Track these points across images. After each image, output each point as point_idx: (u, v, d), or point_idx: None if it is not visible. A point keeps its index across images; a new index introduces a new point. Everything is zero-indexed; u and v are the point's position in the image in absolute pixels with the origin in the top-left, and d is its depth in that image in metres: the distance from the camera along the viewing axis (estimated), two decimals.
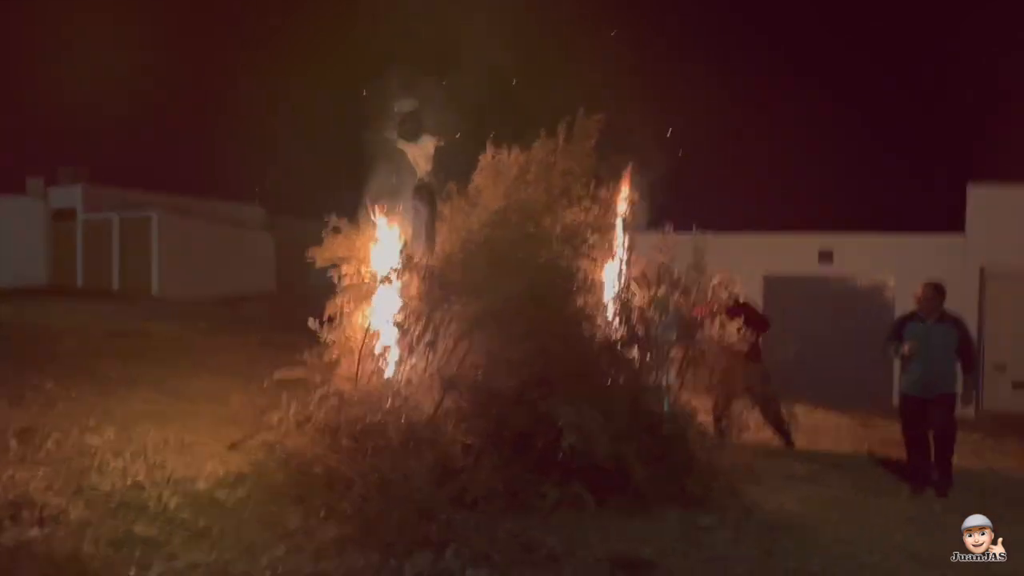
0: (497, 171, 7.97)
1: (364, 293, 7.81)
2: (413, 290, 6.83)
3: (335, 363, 8.07)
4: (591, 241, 7.00)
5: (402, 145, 7.38)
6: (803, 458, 8.99)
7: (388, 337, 7.37)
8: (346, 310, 8.05)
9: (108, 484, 6.11)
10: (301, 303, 26.38)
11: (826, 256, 15.91)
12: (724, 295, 9.17)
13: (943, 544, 5.21)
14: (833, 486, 7.75)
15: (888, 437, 10.27)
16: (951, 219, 15.74)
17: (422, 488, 5.33)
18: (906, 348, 7.71)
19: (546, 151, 7.27)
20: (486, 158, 8.11)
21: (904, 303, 15.28)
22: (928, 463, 7.86)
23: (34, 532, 5.14)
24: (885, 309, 15.31)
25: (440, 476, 5.94)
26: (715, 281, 9.10)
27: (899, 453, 8.73)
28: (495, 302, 6.30)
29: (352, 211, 8.49)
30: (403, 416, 6.52)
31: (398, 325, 6.90)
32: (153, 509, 5.67)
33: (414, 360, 6.88)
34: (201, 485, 6.17)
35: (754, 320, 9.26)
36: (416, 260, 6.80)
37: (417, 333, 6.80)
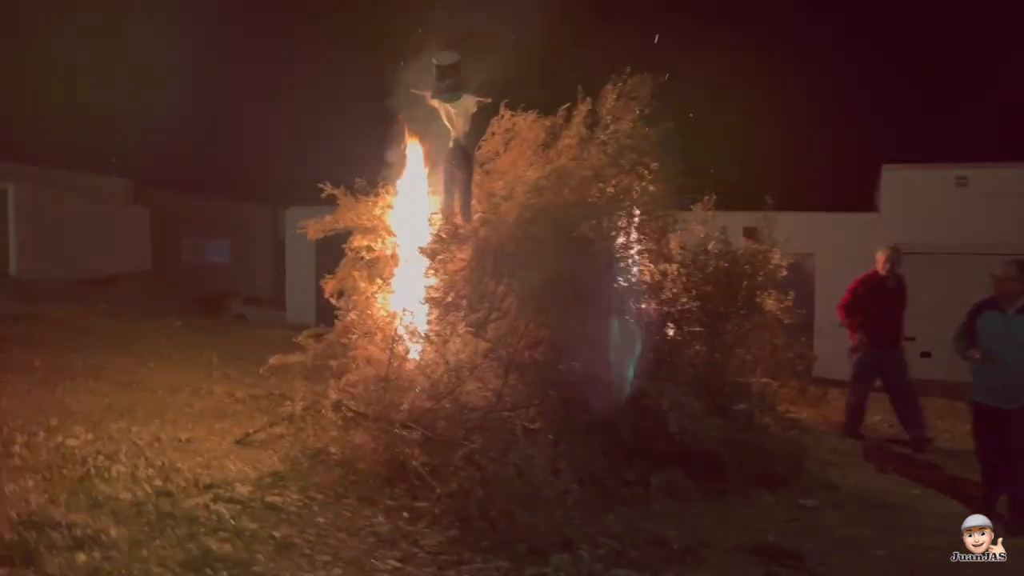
0: (515, 135, 7.38)
1: (387, 267, 7.09)
2: (459, 262, 6.17)
3: (339, 346, 7.31)
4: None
5: (437, 102, 6.66)
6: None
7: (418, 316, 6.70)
8: (361, 286, 7.30)
9: (126, 493, 5.17)
10: (183, 282, 24.79)
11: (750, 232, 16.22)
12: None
13: None
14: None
15: None
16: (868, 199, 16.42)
17: (547, 481, 4.75)
18: (977, 354, 6.15)
19: (582, 116, 6.73)
20: (500, 122, 7.50)
21: (824, 277, 15.96)
22: (997, 488, 6.17)
23: (82, 558, 4.20)
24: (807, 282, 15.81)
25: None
26: (880, 256, 8.57)
27: None
28: (559, 275, 5.76)
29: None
30: (458, 402, 5.87)
31: (438, 302, 6.22)
32: (206, 520, 4.81)
33: (458, 340, 6.22)
34: (242, 489, 5.33)
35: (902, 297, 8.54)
36: (462, 229, 6.13)
37: (464, 310, 6.15)
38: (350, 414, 6.19)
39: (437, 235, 6.15)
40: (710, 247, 6.51)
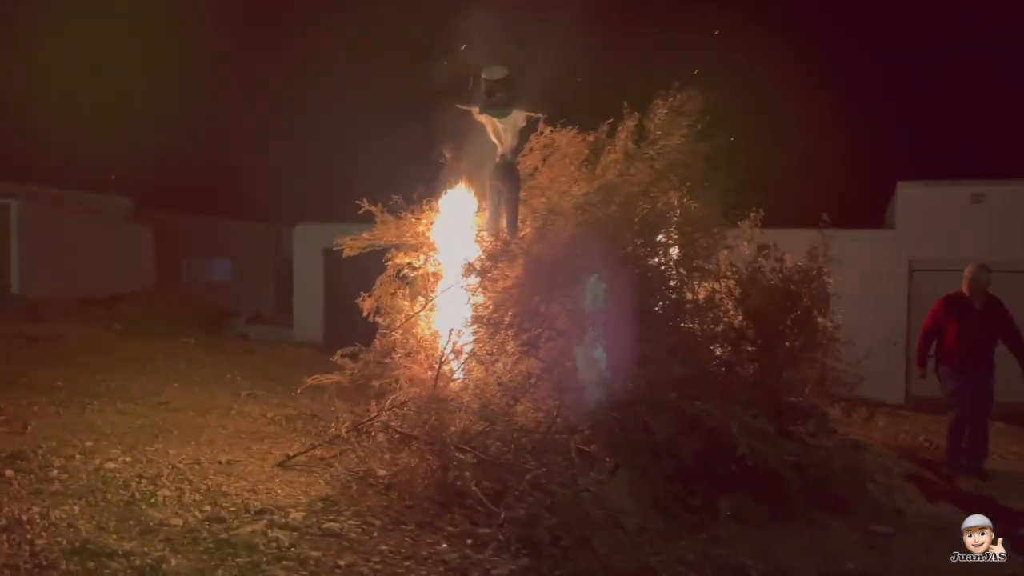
0: (555, 151, 7.28)
1: (428, 284, 6.96)
2: (508, 280, 6.03)
3: (378, 366, 7.17)
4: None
5: (485, 117, 6.56)
6: None
7: (458, 335, 6.55)
8: (401, 304, 7.17)
9: (177, 519, 5.00)
10: (184, 300, 24.53)
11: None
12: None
13: None
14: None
15: None
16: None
17: (624, 508, 4.60)
18: None
19: (629, 131, 6.63)
20: (539, 138, 7.41)
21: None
22: None
23: None
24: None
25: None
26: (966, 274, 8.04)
27: None
28: (611, 293, 5.63)
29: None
30: (511, 423, 5.72)
31: (487, 320, 6.08)
32: (265, 548, 4.63)
33: (507, 360, 6.08)
34: (295, 514, 5.15)
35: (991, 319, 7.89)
36: (513, 245, 6.00)
37: (512, 329, 6.01)
38: (397, 436, 6.02)
39: (488, 251, 6.00)
40: (763, 265, 6.39)
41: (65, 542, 4.58)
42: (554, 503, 4.70)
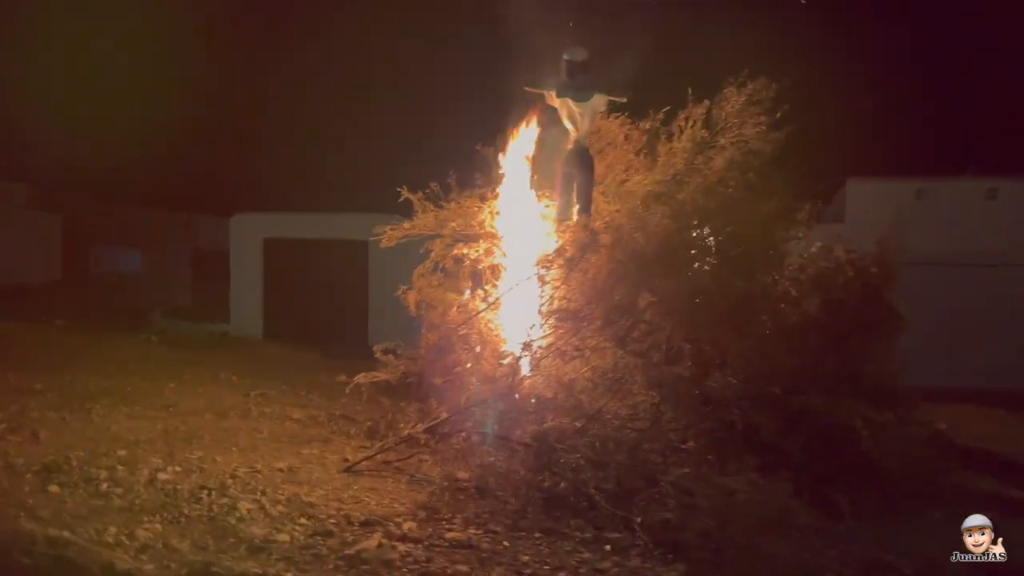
0: (609, 142, 7.07)
1: (486, 276, 6.62)
2: (597, 271, 5.77)
3: (428, 363, 6.79)
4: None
5: (560, 100, 6.26)
6: None
7: (524, 331, 6.26)
8: (452, 298, 6.80)
9: (281, 535, 4.55)
10: (94, 292, 23.08)
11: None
12: None
13: None
14: None
15: None
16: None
17: (789, 507, 4.42)
18: None
19: (700, 120, 6.47)
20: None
21: None
22: None
23: None
24: None
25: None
26: None
27: None
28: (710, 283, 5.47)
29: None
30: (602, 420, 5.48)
31: (569, 313, 5.81)
32: (401, 563, 4.24)
33: (592, 356, 5.83)
34: (407, 524, 4.76)
35: None
36: (601, 236, 5.75)
37: (598, 322, 5.76)
38: (476, 438, 5.68)
39: (576, 241, 5.72)
40: (839, 255, 6.33)
41: (175, 566, 4.07)
42: (700, 504, 4.49)
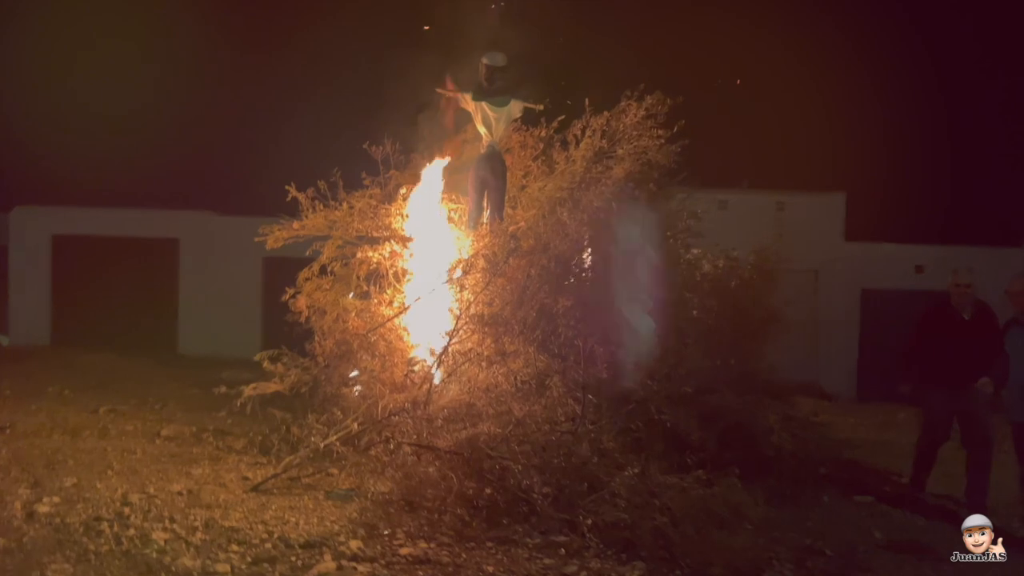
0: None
1: (386, 282, 6.40)
2: (513, 276, 5.77)
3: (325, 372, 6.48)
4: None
5: (475, 104, 6.14)
6: None
7: (432, 336, 6.15)
8: (349, 303, 6.51)
9: (218, 564, 4.17)
10: None
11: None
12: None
13: None
14: None
15: None
16: None
17: (746, 501, 4.61)
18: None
19: (599, 130, 6.63)
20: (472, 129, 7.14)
21: None
22: None
23: None
24: None
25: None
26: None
27: None
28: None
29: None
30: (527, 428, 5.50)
31: (487, 318, 5.78)
32: None
33: (505, 361, 5.80)
34: (353, 543, 4.51)
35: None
36: (523, 242, 5.75)
37: (517, 326, 5.76)
38: (405, 447, 5.48)
39: (496, 246, 5.68)
40: (721, 264, 6.71)
41: None
42: (646, 504, 4.60)
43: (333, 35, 15.51)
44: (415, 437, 5.47)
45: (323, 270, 6.89)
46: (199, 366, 11.29)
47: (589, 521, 4.69)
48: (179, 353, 13.49)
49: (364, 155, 6.78)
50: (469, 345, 5.87)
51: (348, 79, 14.39)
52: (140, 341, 13.37)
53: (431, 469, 5.23)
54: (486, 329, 5.77)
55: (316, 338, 6.58)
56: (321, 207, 6.76)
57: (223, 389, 6.76)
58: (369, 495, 5.28)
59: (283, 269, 14.66)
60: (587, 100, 6.80)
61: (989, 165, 15.52)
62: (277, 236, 6.71)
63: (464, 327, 5.84)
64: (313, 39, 16.04)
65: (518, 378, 5.66)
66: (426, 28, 6.45)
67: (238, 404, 6.31)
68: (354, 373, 6.53)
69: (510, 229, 6.05)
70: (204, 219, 14.88)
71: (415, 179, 6.86)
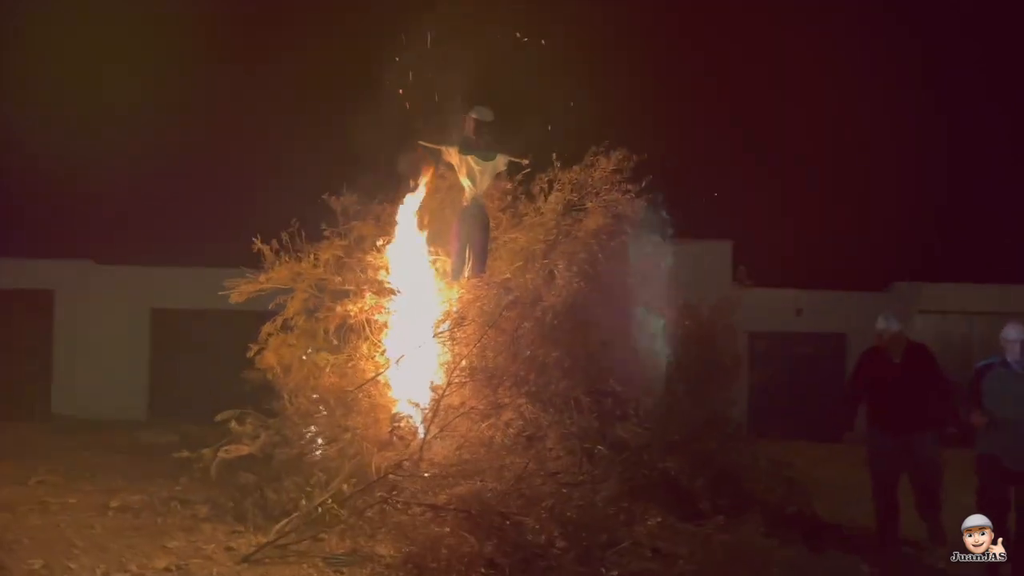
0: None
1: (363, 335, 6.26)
2: (508, 330, 5.77)
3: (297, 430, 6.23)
4: None
5: (460, 157, 6.14)
6: None
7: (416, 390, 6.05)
8: (324, 358, 6.31)
9: None
10: None
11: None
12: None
13: None
14: None
15: None
16: None
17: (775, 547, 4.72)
18: (976, 418, 5.22)
19: (568, 185, 6.79)
20: (435, 180, 7.15)
21: None
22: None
23: None
24: None
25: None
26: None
27: None
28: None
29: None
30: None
31: (481, 372, 5.76)
32: None
33: (499, 414, 5.78)
34: None
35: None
36: (517, 294, 5.79)
37: (509, 380, 5.76)
38: (406, 507, 5.32)
39: (489, 299, 5.68)
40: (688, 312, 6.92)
41: None
42: (672, 552, 4.67)
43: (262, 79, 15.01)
44: (411, 495, 5.32)
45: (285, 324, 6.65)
46: (97, 429, 10.54)
47: (615, 573, 4.70)
48: (54, 414, 12.48)
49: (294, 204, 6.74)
50: (459, 399, 5.79)
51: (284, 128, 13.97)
52: (7, 402, 12.28)
53: (438, 529, 5.10)
54: (480, 382, 5.72)
55: (285, 396, 6.31)
56: (287, 259, 6.55)
57: (184, 454, 6.29)
58: (375, 559, 5.08)
59: (174, 322, 14.10)
60: (554, 155, 6.95)
61: (859, 214, 16.69)
62: (242, 290, 6.42)
63: (457, 380, 5.76)
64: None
65: (511, 430, 5.63)
66: (400, 91, 6.43)
67: (199, 468, 5.92)
68: (310, 431, 6.32)
69: (500, 280, 6.06)
70: (83, 268, 13.93)
71: (379, 230, 6.77)
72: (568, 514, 5.11)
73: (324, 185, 7.01)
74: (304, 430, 6.25)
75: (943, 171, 17.53)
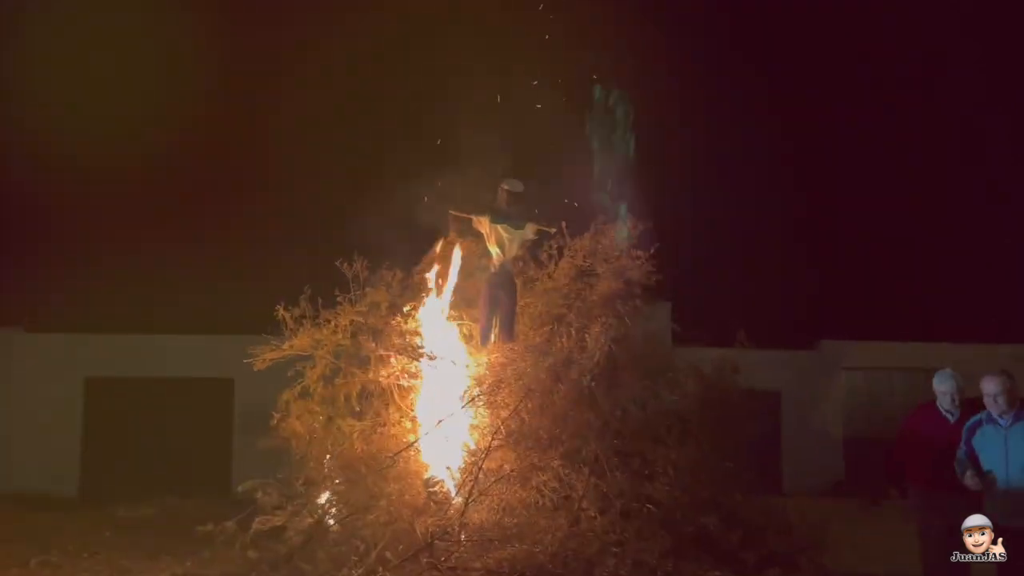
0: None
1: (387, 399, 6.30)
2: (548, 395, 5.92)
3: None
4: None
5: (490, 226, 6.33)
6: None
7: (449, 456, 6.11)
8: (350, 424, 6.31)
9: None
10: None
11: None
12: None
13: None
14: None
15: None
16: None
17: None
18: (969, 479, 4.75)
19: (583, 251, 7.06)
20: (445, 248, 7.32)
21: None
22: None
23: None
24: None
25: None
26: None
27: None
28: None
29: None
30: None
31: (522, 436, 5.88)
32: None
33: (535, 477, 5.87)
34: None
35: None
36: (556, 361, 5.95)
37: (550, 443, 5.90)
38: (448, 571, 5.32)
39: (533, 365, 5.83)
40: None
41: None
42: None
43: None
44: (458, 560, 5.34)
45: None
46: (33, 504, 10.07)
47: None
48: None
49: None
50: (497, 462, 5.86)
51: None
52: None
53: None
54: (518, 444, 5.81)
55: (309, 465, 6.25)
56: (309, 325, 6.56)
57: (208, 527, 6.10)
58: None
59: (109, 391, 13.41)
60: (564, 223, 7.19)
61: (785, 274, 17.28)
62: (265, 358, 6.38)
63: (496, 444, 5.84)
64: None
65: (548, 492, 5.72)
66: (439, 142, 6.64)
67: (220, 542, 5.77)
68: (323, 498, 6.28)
69: (536, 344, 6.22)
70: (8, 336, 13.37)
71: (392, 296, 6.84)
72: (621, 572, 5.21)
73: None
74: (330, 499, 6.18)
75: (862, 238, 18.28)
